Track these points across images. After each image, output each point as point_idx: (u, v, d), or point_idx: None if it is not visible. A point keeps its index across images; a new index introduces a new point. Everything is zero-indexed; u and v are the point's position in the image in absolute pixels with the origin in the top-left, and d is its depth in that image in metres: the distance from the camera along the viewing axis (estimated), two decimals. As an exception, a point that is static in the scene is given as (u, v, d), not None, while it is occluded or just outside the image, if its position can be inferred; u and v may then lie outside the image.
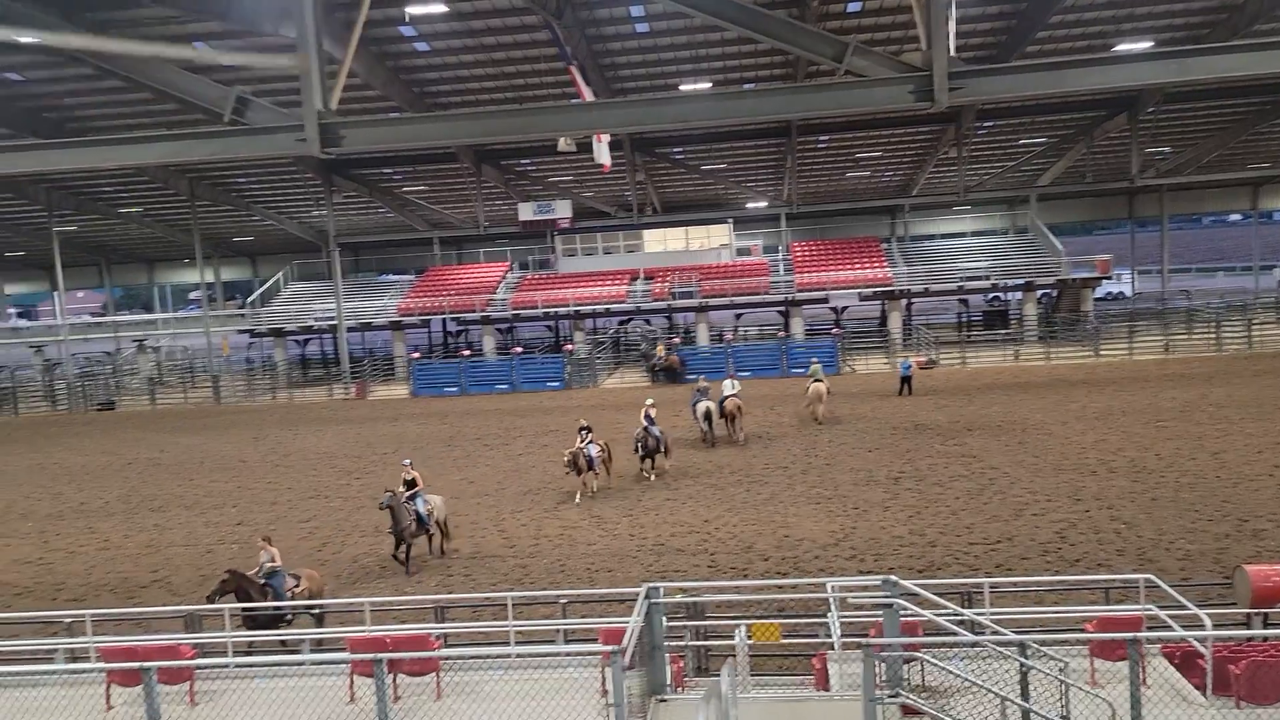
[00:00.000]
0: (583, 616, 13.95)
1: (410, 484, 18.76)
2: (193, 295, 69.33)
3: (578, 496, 22.75)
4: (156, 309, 69.63)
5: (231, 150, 12.88)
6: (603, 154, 33.30)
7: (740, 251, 53.56)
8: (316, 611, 14.27)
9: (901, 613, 9.20)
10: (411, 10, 29.13)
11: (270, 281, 56.84)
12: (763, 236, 55.15)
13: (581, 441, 23.29)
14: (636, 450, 24.76)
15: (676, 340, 48.12)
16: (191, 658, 9.99)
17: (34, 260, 61.75)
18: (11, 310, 72.52)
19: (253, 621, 13.41)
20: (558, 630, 12.36)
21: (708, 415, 28.23)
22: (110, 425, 41.46)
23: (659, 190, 53.54)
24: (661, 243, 53.86)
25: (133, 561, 20.06)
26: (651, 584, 9.34)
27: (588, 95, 27.98)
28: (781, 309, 49.73)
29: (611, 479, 24.02)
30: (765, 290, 48.36)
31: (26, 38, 20.84)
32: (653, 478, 24.52)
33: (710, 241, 53.27)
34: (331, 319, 49.61)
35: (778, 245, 54.07)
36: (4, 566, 20.09)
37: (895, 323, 47.80)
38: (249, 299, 56.53)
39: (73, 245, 56.85)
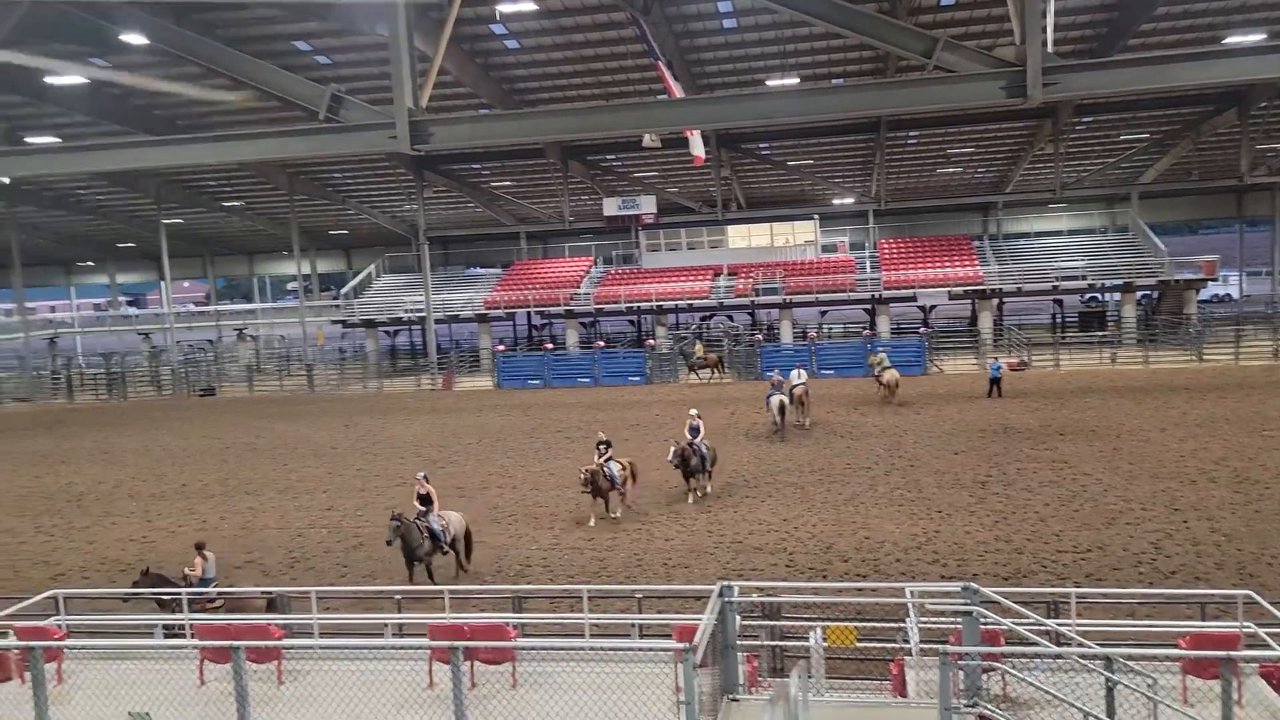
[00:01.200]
0: (659, 611, 14.01)
1: (425, 499, 17.31)
2: (290, 286, 71.76)
3: (592, 520, 20.50)
4: (256, 299, 72.29)
5: (326, 147, 13.29)
6: (696, 145, 33.39)
7: (826, 248, 52.93)
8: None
9: (982, 621, 8.99)
10: (502, 9, 29.56)
11: (363, 274, 58.46)
12: (849, 233, 54.38)
13: (600, 458, 20.91)
14: (676, 463, 21.80)
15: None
16: (280, 638, 10.36)
17: (144, 251, 64.64)
18: (123, 299, 76.17)
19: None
20: (632, 625, 12.43)
21: (781, 408, 28.69)
22: (210, 410, 43.18)
23: (744, 186, 53.26)
24: (746, 239, 53.56)
25: (228, 542, 20.86)
26: (725, 582, 9.32)
27: (675, 91, 28.00)
28: (867, 307, 48.97)
29: (634, 499, 21.63)
30: (851, 287, 47.70)
31: (139, 38, 21.82)
32: (691, 499, 21.94)
33: (795, 238, 52.77)
34: (420, 311, 50.73)
35: (864, 242, 53.24)
36: (111, 543, 21.12)
37: (986, 323, 46.62)
38: (343, 290, 58.22)
39: (179, 237, 59.33)
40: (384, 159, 45.31)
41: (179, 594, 12.95)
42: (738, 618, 9.77)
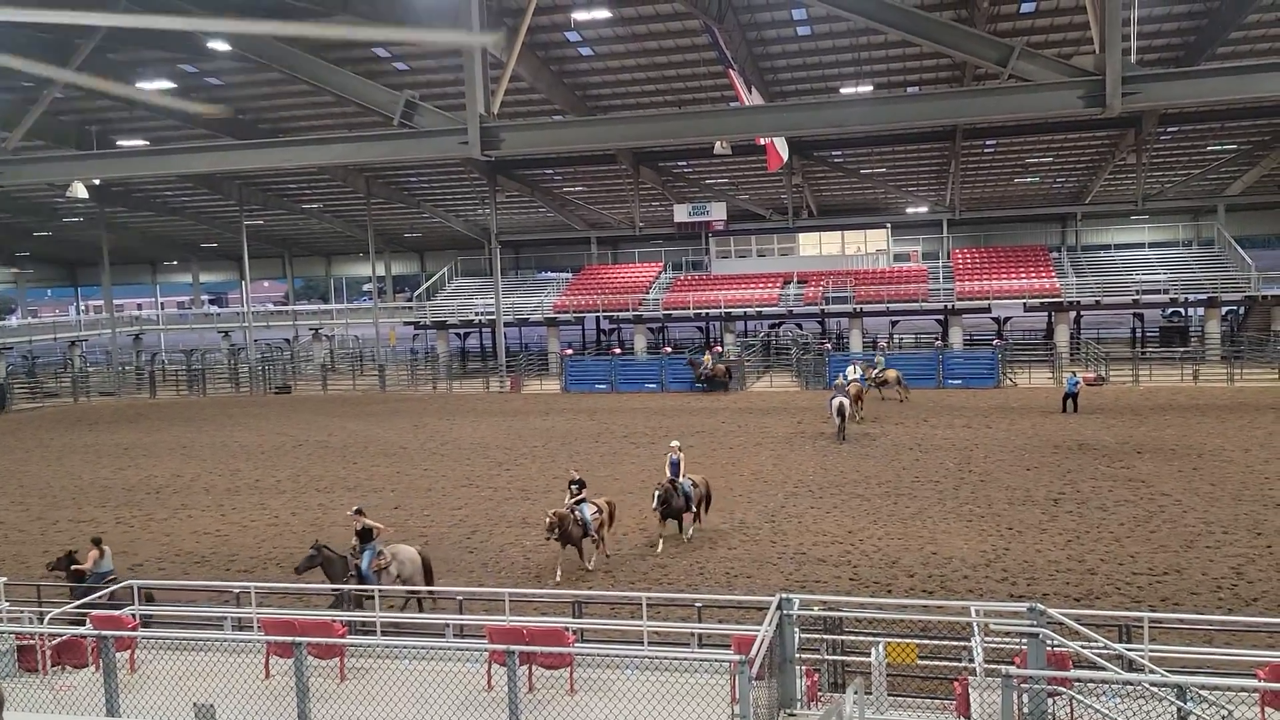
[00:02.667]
0: (719, 621, 13.92)
1: (365, 534, 15.13)
2: (365, 288, 73.26)
3: (558, 574, 17.45)
4: (332, 300, 74.01)
5: (399, 152, 13.54)
6: (782, 148, 33.31)
7: (898, 257, 52.18)
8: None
9: (1049, 643, 8.73)
10: (577, 16, 29.81)
11: (435, 276, 59.42)
12: (922, 242, 53.52)
13: (571, 499, 18.20)
14: (656, 509, 19.16)
15: (719, 349, 47.65)
16: (343, 635, 10.55)
17: (226, 251, 66.68)
18: (205, 297, 78.66)
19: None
20: (692, 634, 12.37)
21: (841, 410, 29.55)
22: (285, 408, 44.30)
23: (815, 193, 52.81)
24: (816, 246, 53.09)
25: (299, 538, 21.33)
26: (785, 594, 9.21)
27: (746, 99, 27.90)
28: (940, 317, 48.10)
29: (612, 548, 18.93)
30: (923, 297, 46.92)
31: (224, 45, 22.49)
32: (660, 547, 19.17)
33: (867, 246, 52.14)
34: (491, 314, 51.38)
35: (938, 252, 52.32)
36: (186, 536, 21.78)
37: (1062, 336, 45.39)
38: (416, 293, 59.28)
39: (260, 238, 61.07)
40: (458, 163, 46.01)
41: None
42: (797, 631, 9.64)
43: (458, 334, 57.88)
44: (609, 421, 35.58)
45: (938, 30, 11.04)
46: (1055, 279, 46.41)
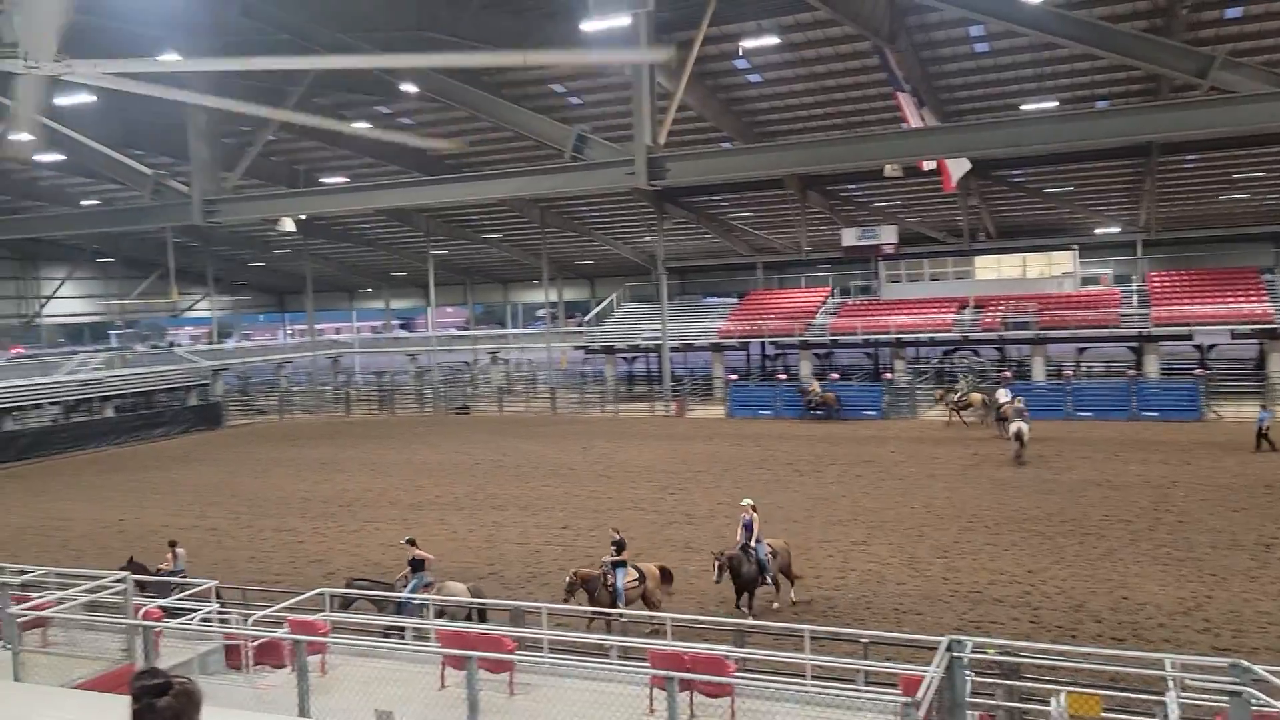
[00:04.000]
0: (887, 658, 13.51)
1: (416, 564, 15.95)
2: (539, 313, 75.72)
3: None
4: (508, 325, 76.96)
5: (570, 184, 14.05)
6: (957, 168, 32.37)
7: (1086, 280, 49.23)
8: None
9: (1254, 702, 8.00)
10: (745, 44, 29.99)
11: (605, 302, 60.74)
12: (1113, 265, 50.28)
13: (609, 558, 16.28)
14: (718, 578, 16.68)
15: (834, 376, 46.99)
16: (512, 650, 10.91)
17: (413, 279, 70.63)
18: (395, 322, 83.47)
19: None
20: (857, 670, 12.06)
21: (1019, 435, 29.77)
22: (464, 427, 46.33)
23: (994, 214, 50.65)
24: (995, 270, 50.85)
25: (474, 553, 22.26)
26: (955, 637, 8.85)
27: (914, 121, 27.23)
28: (1133, 345, 45.02)
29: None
30: (1114, 323, 44.05)
31: (413, 87, 23.98)
32: (746, 610, 16.82)
33: (1051, 269, 49.51)
34: (657, 339, 52.03)
35: (1131, 274, 49.03)
36: (374, 547, 23.11)
37: (1276, 365, 41.51)
38: (586, 318, 60.81)
39: (444, 266, 64.35)
40: (627, 192, 46.97)
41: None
42: (970, 674, 9.24)
43: (625, 358, 58.88)
44: (773, 448, 35.25)
45: (1124, 42, 10.45)
46: (1268, 303, 42.56)
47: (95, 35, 18.00)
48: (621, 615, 15.34)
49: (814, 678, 11.61)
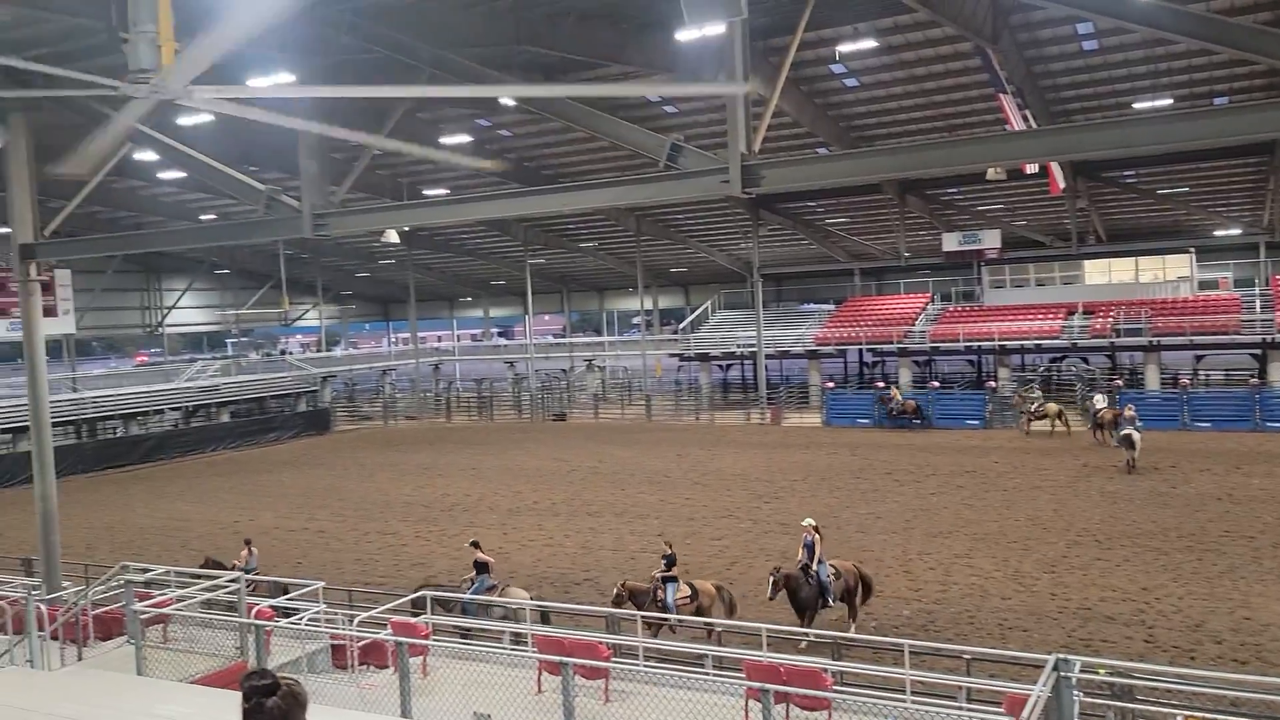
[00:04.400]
0: (990, 675, 13.13)
1: (481, 566, 16.50)
2: (634, 321, 76.19)
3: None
4: (604, 332, 77.65)
5: (664, 194, 14.08)
6: (1059, 172, 31.50)
7: (1203, 285, 46.95)
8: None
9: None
10: (842, 49, 29.63)
11: (700, 309, 60.70)
12: (1233, 268, 47.84)
13: (658, 573, 15.93)
14: (772, 595, 16.01)
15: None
16: (607, 658, 11.00)
17: (511, 288, 71.96)
18: (494, 330, 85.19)
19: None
20: (959, 687, 11.74)
21: (1129, 441, 29.24)
22: (561, 434, 46.90)
23: (1103, 217, 48.75)
24: (1105, 274, 48.95)
25: (570, 559, 22.51)
26: (1062, 656, 8.54)
27: (1016, 124, 26.42)
28: (1256, 352, 42.71)
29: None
30: (1235, 329, 41.86)
31: (510, 99, 24.43)
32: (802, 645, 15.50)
33: (1165, 273, 47.40)
34: (752, 346, 51.73)
35: (1254, 278, 46.57)
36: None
37: None
38: (681, 325, 60.89)
39: (540, 275, 65.37)
40: (721, 199, 46.92)
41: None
42: (1079, 695, 8.91)
43: (720, 366, 58.71)
44: (871, 457, 34.63)
45: (1243, 37, 9.93)
46: None
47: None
48: (700, 624, 15.24)
49: (914, 694, 11.36)
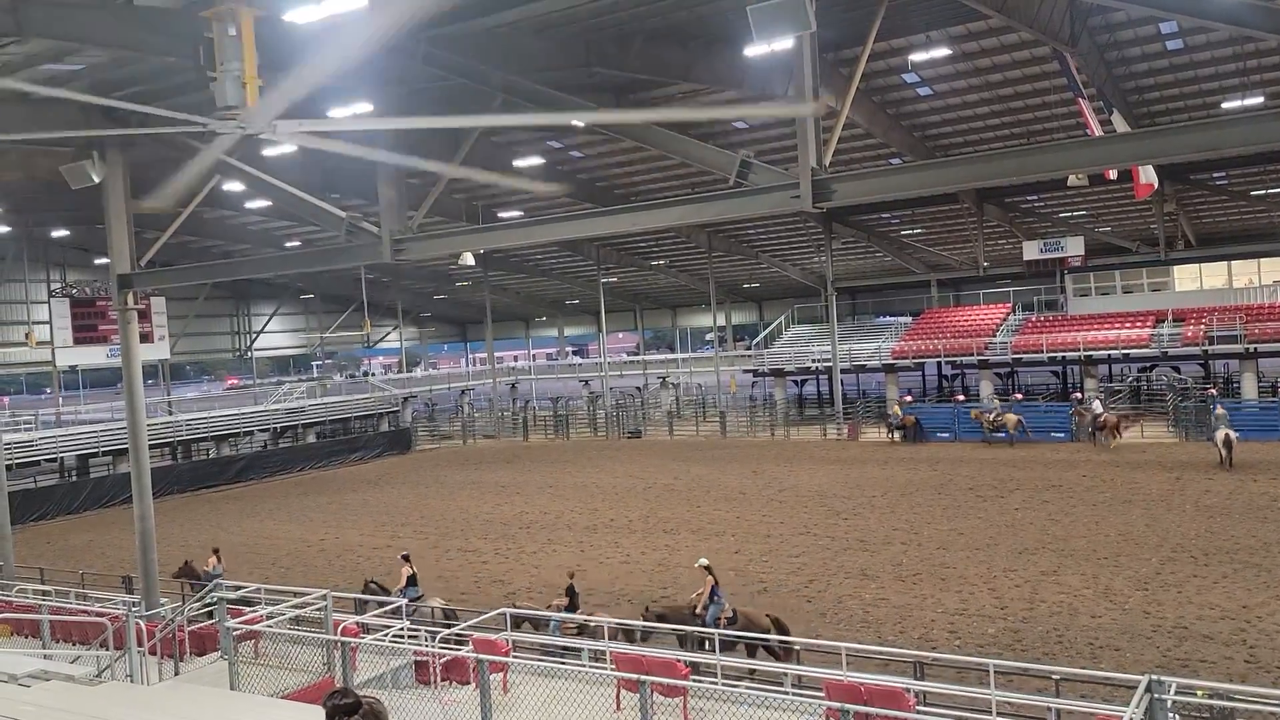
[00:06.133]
0: (1081, 696, 12.73)
1: (411, 580, 18.25)
2: (707, 337, 76.09)
3: None
4: (677, 349, 77.71)
5: (734, 210, 14.10)
6: (1148, 174, 30.57)
7: (1303, 288, 44.97)
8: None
9: None
10: (914, 58, 29.29)
11: (773, 325, 60.33)
12: (1336, 270, 45.69)
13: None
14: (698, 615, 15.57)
15: (909, 399, 46.39)
16: (686, 676, 10.97)
17: (585, 307, 72.59)
18: (569, 349, 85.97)
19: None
20: (1048, 709, 11.40)
21: (1226, 441, 29.98)
22: (636, 451, 47.00)
23: (1193, 221, 47.07)
24: (1196, 280, 47.27)
25: (647, 576, 22.52)
26: (1155, 677, 8.24)
27: (1096, 130, 25.72)
28: (1363, 357, 40.70)
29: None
30: (1338, 334, 39.97)
31: (581, 121, 24.78)
32: None
33: (1261, 277, 45.53)
34: (827, 360, 51.20)
35: (1358, 279, 44.39)
36: (551, 569, 23.75)
37: None
38: (754, 341, 60.60)
39: (614, 293, 65.83)
40: (794, 214, 46.67)
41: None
42: (1175, 718, 8.58)
43: (794, 381, 58.20)
44: (952, 472, 33.90)
45: (1338, 32, 9.55)
46: None
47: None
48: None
49: (1000, 715, 11.08)
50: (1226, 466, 29.97)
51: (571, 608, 16.29)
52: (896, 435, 43.11)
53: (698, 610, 15.64)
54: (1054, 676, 12.20)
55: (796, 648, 15.10)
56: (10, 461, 31.59)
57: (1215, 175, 41.64)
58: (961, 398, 47.10)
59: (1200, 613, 17.24)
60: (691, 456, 43.19)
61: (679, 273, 62.26)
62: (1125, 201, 42.18)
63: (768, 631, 15.06)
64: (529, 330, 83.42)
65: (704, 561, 16.57)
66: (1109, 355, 44.85)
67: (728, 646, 14.27)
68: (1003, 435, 39.92)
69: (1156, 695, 8.10)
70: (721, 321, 62.66)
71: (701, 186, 36.90)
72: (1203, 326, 42.57)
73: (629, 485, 36.06)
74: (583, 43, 24.20)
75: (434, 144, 24.67)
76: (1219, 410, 32.64)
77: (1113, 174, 30.27)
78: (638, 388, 66.06)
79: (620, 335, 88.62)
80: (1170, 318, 44.57)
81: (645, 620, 15.79)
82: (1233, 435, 30.38)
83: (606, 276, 59.44)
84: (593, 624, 15.42)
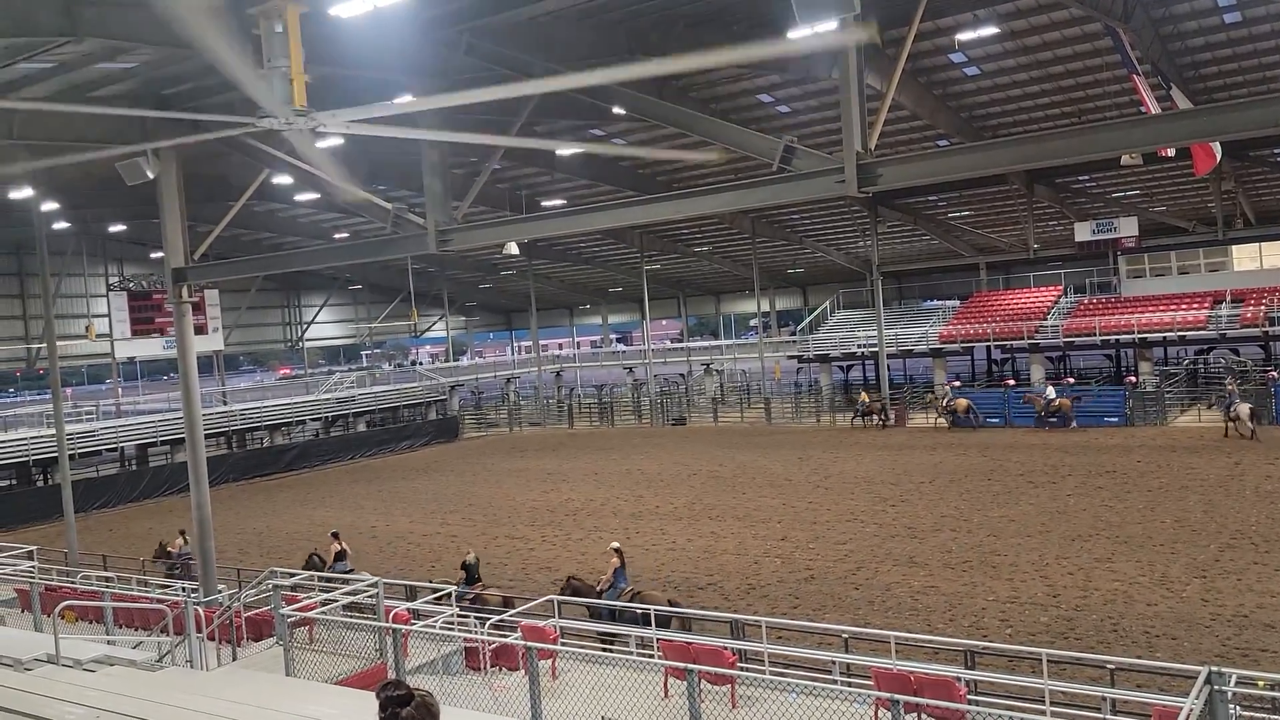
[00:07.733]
0: (1137, 686, 12.51)
1: (339, 555, 20.39)
2: (751, 323, 75.76)
3: None
4: (721, 336, 77.46)
5: (778, 197, 13.96)
6: (1214, 148, 29.71)
7: (1369, 267, 43.55)
8: None
9: None
10: (961, 37, 28.76)
11: (818, 310, 59.86)
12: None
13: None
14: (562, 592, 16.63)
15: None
16: (733, 664, 10.98)
17: (628, 294, 72.66)
18: (613, 336, 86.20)
19: None
20: (1102, 699, 11.23)
21: (1251, 414, 32.19)
22: (680, 438, 47.01)
23: (1252, 199, 45.73)
24: (1255, 259, 45.97)
25: (693, 564, 22.54)
26: (1215, 669, 8.05)
27: (1153, 107, 25.04)
28: None
29: None
30: (1407, 314, 38.67)
31: (623, 110, 24.73)
32: None
33: (1325, 256, 44.19)
34: (873, 345, 50.70)
35: None
36: (597, 556, 23.83)
37: None
38: (799, 326, 60.17)
39: (657, 281, 65.73)
40: (838, 198, 46.12)
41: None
42: (1236, 709, 8.40)
43: (840, 367, 57.75)
44: (1002, 458, 33.42)
45: None
46: None
47: (341, 84, 19.83)
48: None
49: (1053, 704, 10.93)
50: (1252, 436, 32.00)
51: (469, 582, 17.84)
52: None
53: (600, 589, 16.94)
54: (1109, 666, 12.00)
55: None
56: (73, 451, 32.49)
57: (1276, 151, 40.41)
58: (1011, 382, 46.37)
59: (1261, 601, 16.85)
60: (736, 443, 43.09)
61: (722, 259, 62.00)
62: (1181, 180, 41.14)
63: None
64: (573, 318, 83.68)
65: (615, 545, 17.82)
66: (1164, 338, 43.84)
67: (630, 620, 15.49)
68: (1057, 420, 39.29)
69: (1217, 686, 7.91)
70: (765, 307, 62.27)
71: (744, 173, 36.62)
72: (1262, 307, 41.43)
73: (674, 472, 36.08)
74: (624, 30, 24.11)
75: (480, 133, 24.78)
76: (1229, 385, 34.83)
77: (1171, 151, 29.47)
78: (682, 375, 66.01)
79: (664, 322, 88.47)
80: (1228, 299, 43.44)
81: (562, 592, 16.72)
82: (1245, 409, 32.72)
83: (649, 263, 59.34)
84: (486, 595, 17.48)
